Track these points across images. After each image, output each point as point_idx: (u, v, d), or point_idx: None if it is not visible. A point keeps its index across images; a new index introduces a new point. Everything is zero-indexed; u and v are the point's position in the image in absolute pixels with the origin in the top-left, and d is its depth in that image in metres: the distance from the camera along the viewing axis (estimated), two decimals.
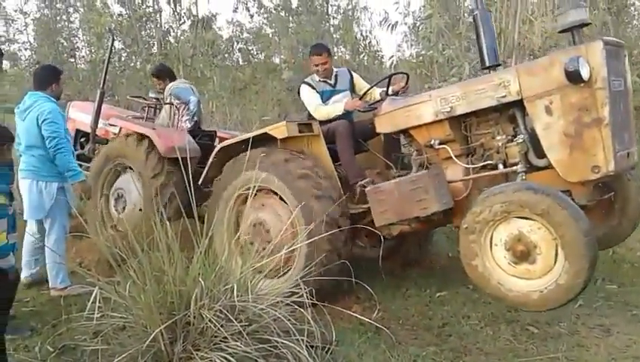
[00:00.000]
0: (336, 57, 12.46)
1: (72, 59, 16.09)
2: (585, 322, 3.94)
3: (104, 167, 6.11)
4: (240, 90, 13.28)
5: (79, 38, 16.59)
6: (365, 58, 15.16)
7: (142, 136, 5.79)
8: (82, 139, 7.04)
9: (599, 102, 3.46)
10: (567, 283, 3.25)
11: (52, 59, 14.57)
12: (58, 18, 16.63)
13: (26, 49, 17.60)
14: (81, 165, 6.73)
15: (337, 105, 4.96)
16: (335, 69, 5.30)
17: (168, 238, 3.19)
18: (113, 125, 6.48)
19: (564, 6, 3.71)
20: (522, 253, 3.43)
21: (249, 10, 16.09)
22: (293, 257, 4.28)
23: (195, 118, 6.40)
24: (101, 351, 3.01)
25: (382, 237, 4.33)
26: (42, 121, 4.65)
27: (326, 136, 4.68)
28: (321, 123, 4.79)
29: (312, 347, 3.13)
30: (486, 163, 4.12)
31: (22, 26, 17.54)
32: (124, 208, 5.95)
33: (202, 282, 3.01)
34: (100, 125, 6.57)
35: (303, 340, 3.03)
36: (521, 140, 3.90)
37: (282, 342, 3.02)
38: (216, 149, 4.96)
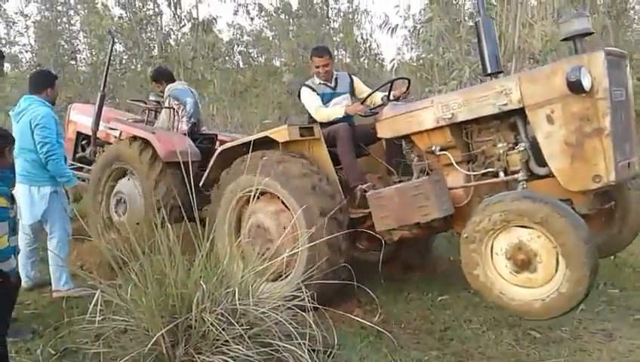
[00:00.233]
0: (336, 60, 12.46)
1: (73, 62, 16.09)
2: (587, 326, 3.93)
3: (105, 170, 6.12)
4: (241, 93, 13.29)
5: (80, 40, 16.59)
6: (366, 61, 15.16)
7: (142, 140, 5.79)
8: (84, 142, 7.05)
9: (600, 113, 3.46)
10: (568, 292, 3.25)
11: (53, 61, 14.57)
12: (59, 20, 16.62)
13: (27, 51, 17.59)
14: (82, 168, 6.78)
15: (338, 109, 4.96)
16: (335, 72, 5.31)
17: (170, 241, 3.19)
18: (114, 128, 6.50)
19: (566, 14, 3.71)
20: (523, 261, 3.43)
21: (249, 13, 16.12)
22: (294, 261, 4.28)
23: (193, 120, 6.39)
24: (103, 354, 3.01)
25: (383, 241, 4.33)
26: (35, 126, 4.67)
27: (327, 139, 4.68)
28: (322, 126, 4.79)
29: (313, 351, 3.12)
30: (487, 170, 4.12)
31: (23, 29, 17.49)
32: (124, 212, 5.95)
33: (204, 285, 3.02)
34: (100, 128, 6.59)
35: (304, 344, 3.03)
36: (522, 148, 3.90)
37: (284, 346, 3.02)
38: (217, 152, 4.97)
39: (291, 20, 16.13)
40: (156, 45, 13.12)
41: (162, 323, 2.92)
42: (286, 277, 4.31)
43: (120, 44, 13.15)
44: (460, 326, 4.07)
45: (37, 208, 4.77)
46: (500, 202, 3.47)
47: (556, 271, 3.34)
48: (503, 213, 3.42)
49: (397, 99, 4.78)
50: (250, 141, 4.43)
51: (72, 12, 16.65)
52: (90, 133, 6.60)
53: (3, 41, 16.62)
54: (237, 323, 2.93)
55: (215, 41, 13.01)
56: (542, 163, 3.83)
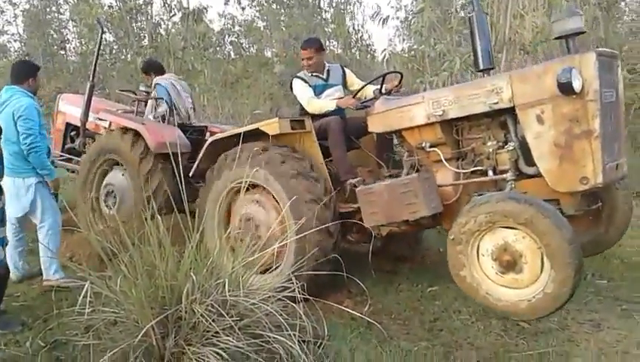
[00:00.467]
0: (327, 51, 12.43)
1: (63, 52, 15.98)
2: (575, 317, 3.95)
3: (94, 162, 6.08)
4: (232, 83, 13.24)
5: (69, 29, 16.46)
6: (357, 52, 15.14)
7: (132, 131, 5.76)
8: (72, 133, 6.99)
9: (590, 114, 3.48)
10: (554, 292, 3.30)
11: (42, 51, 14.46)
12: (48, 9, 16.47)
13: (15, 41, 17.43)
14: (71, 159, 6.73)
15: (330, 102, 4.95)
16: (327, 64, 5.30)
17: (159, 233, 3.18)
18: (103, 120, 6.44)
19: (559, 11, 3.72)
20: (509, 262, 3.48)
21: (240, 3, 16.05)
22: (283, 252, 4.28)
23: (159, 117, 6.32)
24: (93, 346, 3.00)
25: (372, 234, 4.34)
26: (17, 118, 4.63)
27: (318, 132, 4.67)
28: (314, 119, 4.78)
29: (303, 341, 3.12)
30: (476, 168, 4.14)
31: (11, 18, 17.34)
32: (114, 203, 5.92)
33: (194, 277, 3.00)
34: (90, 119, 6.52)
35: (294, 335, 3.03)
36: (511, 148, 3.92)
37: (274, 337, 3.02)
38: (207, 143, 4.94)
39: (283, 10, 16.06)
40: (146, 35, 13.03)
41: (152, 315, 2.90)
42: (276, 268, 4.31)
43: (110, 33, 13.06)
44: (450, 316, 4.09)
45: (24, 200, 4.74)
46: (485, 203, 3.51)
47: (541, 271, 3.39)
48: (489, 214, 3.46)
49: (389, 92, 4.77)
50: (240, 133, 4.42)
51: (61, 1, 16.51)
52: (80, 124, 6.54)
53: None
54: (227, 314, 2.93)
55: (206, 31, 12.95)
56: (531, 163, 3.85)
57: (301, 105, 5.13)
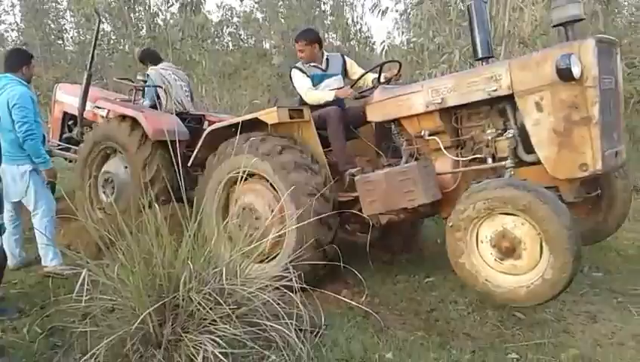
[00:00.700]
0: (326, 43, 12.40)
1: (60, 41, 15.92)
2: (571, 309, 3.97)
3: (92, 150, 6.07)
4: (230, 74, 13.20)
5: (67, 19, 16.39)
6: (356, 45, 15.11)
7: (130, 119, 5.75)
8: (70, 122, 6.99)
9: (589, 101, 3.46)
10: (553, 278, 3.29)
11: (39, 40, 14.41)
12: None
13: (12, 30, 17.35)
14: (69, 148, 6.73)
15: (328, 92, 4.94)
16: (327, 54, 5.28)
17: (157, 221, 3.18)
18: (101, 108, 6.43)
19: (558, 0, 3.70)
20: (508, 249, 3.47)
21: None
22: (281, 241, 4.28)
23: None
24: (90, 333, 3.01)
25: (370, 224, 4.34)
26: (12, 106, 4.64)
27: (317, 122, 4.66)
28: (312, 109, 4.77)
29: (300, 330, 3.14)
30: (475, 156, 4.13)
31: (8, 7, 17.25)
32: (112, 192, 5.92)
33: (191, 265, 3.01)
34: (87, 108, 6.52)
35: (291, 324, 3.05)
36: (510, 135, 3.90)
37: (271, 326, 3.03)
38: (205, 132, 4.93)
39: (281, 2, 16.01)
40: (144, 25, 12.97)
41: (149, 303, 2.91)
42: (274, 258, 4.31)
43: (108, 23, 12.99)
44: (446, 307, 4.11)
45: (19, 186, 4.76)
46: (483, 190, 3.50)
47: (540, 257, 3.38)
48: (487, 200, 3.46)
49: (388, 81, 4.76)
50: (239, 122, 4.41)
51: None
52: (77, 114, 6.53)
53: None
54: (224, 302, 2.93)
55: (204, 22, 12.89)
56: (530, 150, 3.84)
57: (300, 96, 5.12)
